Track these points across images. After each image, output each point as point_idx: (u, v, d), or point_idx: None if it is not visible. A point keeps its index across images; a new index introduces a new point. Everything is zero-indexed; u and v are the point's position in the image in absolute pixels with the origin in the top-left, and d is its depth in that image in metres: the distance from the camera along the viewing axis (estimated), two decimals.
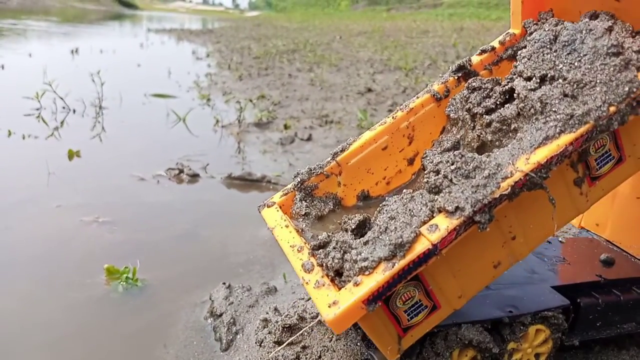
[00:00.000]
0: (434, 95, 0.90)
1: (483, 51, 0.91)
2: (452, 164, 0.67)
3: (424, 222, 0.64)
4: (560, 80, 0.69)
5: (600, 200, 1.10)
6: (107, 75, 3.29)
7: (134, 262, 1.27)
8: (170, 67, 4.75)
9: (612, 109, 0.65)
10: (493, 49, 0.91)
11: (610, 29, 0.72)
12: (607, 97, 0.66)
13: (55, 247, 1.40)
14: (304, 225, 0.83)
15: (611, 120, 0.65)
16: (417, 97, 0.90)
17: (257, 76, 4.45)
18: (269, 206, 0.87)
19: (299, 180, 0.88)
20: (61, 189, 1.81)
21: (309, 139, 2.53)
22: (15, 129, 2.44)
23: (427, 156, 0.82)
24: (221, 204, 1.78)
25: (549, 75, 0.71)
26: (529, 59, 0.75)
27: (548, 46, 0.74)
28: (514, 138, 0.71)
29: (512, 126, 0.73)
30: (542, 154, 0.64)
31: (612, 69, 0.67)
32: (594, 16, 0.78)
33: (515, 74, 0.78)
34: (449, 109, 0.87)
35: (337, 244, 0.69)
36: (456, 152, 0.69)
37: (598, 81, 0.67)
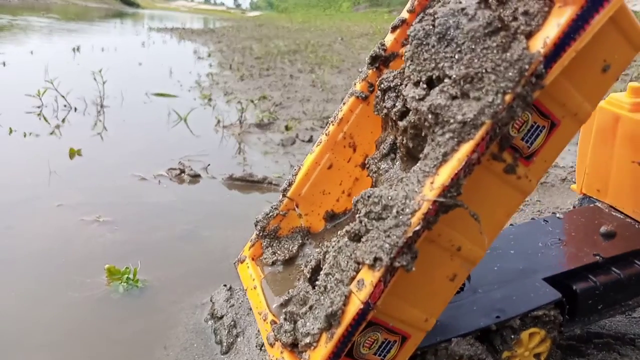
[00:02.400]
0: (358, 96, 0.85)
1: (394, 27, 0.81)
2: (364, 206, 0.63)
3: (353, 278, 0.62)
4: (447, 81, 0.60)
5: (598, 165, 1.05)
6: (109, 73, 3.29)
7: (134, 263, 1.27)
8: (171, 66, 4.75)
9: (507, 97, 0.55)
10: (404, 21, 0.80)
11: (485, 0, 0.60)
12: (498, 87, 0.56)
13: (56, 246, 1.39)
14: (273, 275, 0.83)
15: (512, 109, 0.56)
16: (344, 104, 0.86)
17: (259, 77, 4.44)
18: (241, 262, 0.87)
19: (260, 228, 0.87)
20: (62, 187, 1.80)
21: (310, 140, 2.53)
22: (16, 126, 2.43)
23: (369, 165, 0.79)
24: (222, 205, 1.78)
25: (434, 76, 0.62)
26: (411, 61, 0.65)
27: (425, 42, 0.63)
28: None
29: (424, 133, 0.64)
30: (445, 174, 0.57)
31: (495, 50, 0.57)
32: None
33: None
34: (375, 109, 0.80)
35: (287, 315, 0.68)
36: (365, 192, 0.63)
37: (484, 70, 0.57)
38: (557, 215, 1.06)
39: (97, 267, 1.25)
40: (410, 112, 0.67)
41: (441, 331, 0.77)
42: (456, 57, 0.59)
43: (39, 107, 2.87)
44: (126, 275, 1.22)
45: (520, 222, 1.07)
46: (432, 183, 0.58)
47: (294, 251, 0.86)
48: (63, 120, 2.70)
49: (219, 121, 2.79)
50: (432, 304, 0.69)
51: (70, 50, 5.50)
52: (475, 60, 0.57)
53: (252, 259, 0.86)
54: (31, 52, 5.18)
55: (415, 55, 0.64)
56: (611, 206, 1.05)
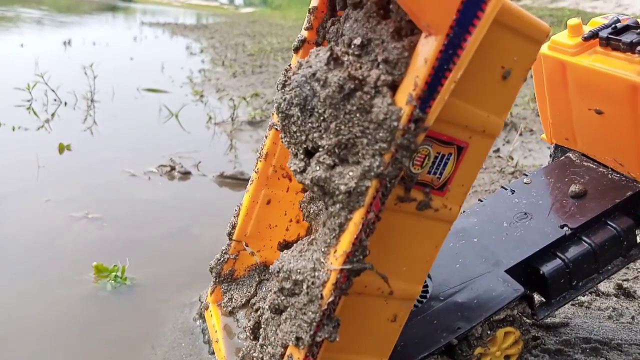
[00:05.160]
0: (277, 128, 0.81)
1: (297, 49, 0.77)
2: (277, 282, 0.61)
3: (283, 354, 0.62)
4: (321, 151, 0.56)
5: (559, 114, 0.99)
6: (100, 68, 3.26)
7: (123, 260, 1.26)
8: (163, 61, 4.71)
9: (386, 157, 0.51)
10: (304, 40, 0.76)
11: (334, 58, 0.55)
12: (373, 150, 0.52)
13: (44, 242, 1.38)
14: (230, 328, 0.84)
15: (396, 161, 0.52)
16: (266, 137, 0.84)
17: (251, 74, 4.42)
18: (206, 309, 0.87)
19: (215, 274, 0.87)
20: (51, 183, 1.78)
21: None
22: (5, 120, 2.40)
23: (302, 210, 0.77)
24: (212, 203, 1.77)
25: (309, 147, 0.58)
26: (283, 134, 0.62)
27: (289, 114, 0.59)
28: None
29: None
30: (345, 241, 0.55)
31: (358, 114, 0.52)
32: (318, 47, 0.61)
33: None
34: None
35: None
36: (274, 266, 0.62)
37: (355, 136, 0.53)
38: (524, 180, 1.00)
39: (85, 264, 1.24)
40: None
41: (403, 358, 0.74)
42: (322, 126, 0.55)
43: (28, 100, 2.84)
44: (114, 273, 1.21)
45: (489, 196, 1.02)
46: (335, 252, 0.56)
47: (252, 292, 0.86)
48: (53, 115, 2.67)
49: (210, 118, 2.78)
50: (379, 347, 0.68)
51: (61, 44, 5.45)
52: (342, 127, 0.54)
53: (215, 304, 0.87)
54: (21, 44, 5.12)
55: (284, 128, 0.61)
56: (583, 154, 1.00)
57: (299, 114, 0.57)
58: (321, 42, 0.74)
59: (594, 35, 0.89)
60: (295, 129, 0.59)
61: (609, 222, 0.87)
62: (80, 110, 2.82)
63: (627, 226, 0.87)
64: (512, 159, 2.20)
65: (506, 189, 1.00)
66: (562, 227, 0.87)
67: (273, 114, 0.82)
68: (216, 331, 0.82)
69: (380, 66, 0.54)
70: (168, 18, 13.44)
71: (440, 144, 0.59)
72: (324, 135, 0.55)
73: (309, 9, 0.74)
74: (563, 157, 1.03)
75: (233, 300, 0.86)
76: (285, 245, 0.88)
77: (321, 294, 0.56)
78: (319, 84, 0.54)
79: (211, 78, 4.18)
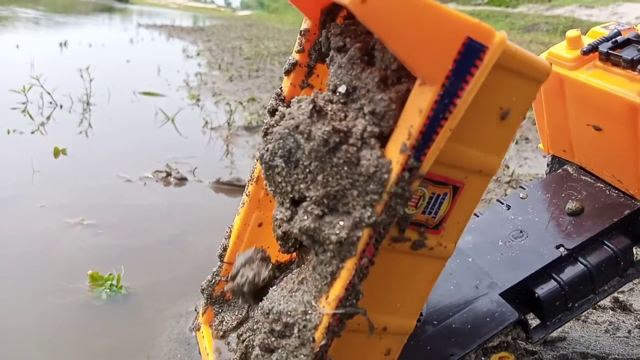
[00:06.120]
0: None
1: (287, 72, 0.76)
2: (266, 322, 0.60)
3: None
4: (308, 202, 0.55)
5: (557, 126, 0.97)
6: (96, 70, 3.25)
7: (118, 268, 1.25)
8: (159, 64, 4.71)
9: (378, 208, 0.50)
10: (296, 63, 0.75)
11: (318, 110, 0.54)
12: (364, 201, 0.50)
13: (38, 249, 1.37)
14: (222, 352, 0.83)
15: (390, 209, 0.51)
16: (257, 160, 0.82)
17: (248, 78, 4.42)
18: (198, 329, 0.87)
19: (206, 295, 0.86)
20: (46, 188, 1.77)
21: None
22: None
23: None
24: (209, 210, 1.76)
25: (296, 197, 0.57)
26: (268, 183, 0.60)
27: (273, 164, 0.57)
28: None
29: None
30: (338, 286, 0.54)
31: (345, 167, 0.51)
32: (298, 99, 0.59)
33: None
34: None
35: None
36: (263, 306, 0.61)
37: (344, 188, 0.52)
38: (520, 194, 0.98)
39: (80, 272, 1.23)
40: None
41: None
42: (309, 178, 0.54)
43: (23, 103, 2.82)
44: (109, 282, 1.20)
45: (485, 211, 0.99)
46: (327, 298, 0.55)
47: (244, 314, 0.85)
48: (48, 118, 2.66)
49: (206, 122, 2.77)
50: None
51: (57, 45, 5.43)
52: (330, 179, 0.52)
53: (207, 325, 0.87)
54: (17, 45, 5.10)
55: (269, 178, 0.59)
56: (580, 167, 0.98)
57: (284, 165, 0.56)
58: (313, 65, 0.73)
59: (593, 49, 0.87)
60: (280, 180, 0.57)
61: (606, 242, 0.85)
62: (76, 113, 2.81)
63: (624, 246, 0.85)
64: (508, 167, 2.20)
65: (502, 204, 0.98)
66: (558, 247, 0.85)
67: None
68: (208, 354, 0.82)
69: (367, 117, 0.52)
70: (165, 20, 13.43)
71: (435, 185, 0.58)
72: (310, 187, 0.54)
73: (301, 31, 0.72)
74: (560, 170, 1.02)
75: (224, 322, 0.85)
76: (278, 267, 0.88)
77: (313, 338, 0.55)
78: (303, 136, 0.53)
79: (207, 82, 4.17)
